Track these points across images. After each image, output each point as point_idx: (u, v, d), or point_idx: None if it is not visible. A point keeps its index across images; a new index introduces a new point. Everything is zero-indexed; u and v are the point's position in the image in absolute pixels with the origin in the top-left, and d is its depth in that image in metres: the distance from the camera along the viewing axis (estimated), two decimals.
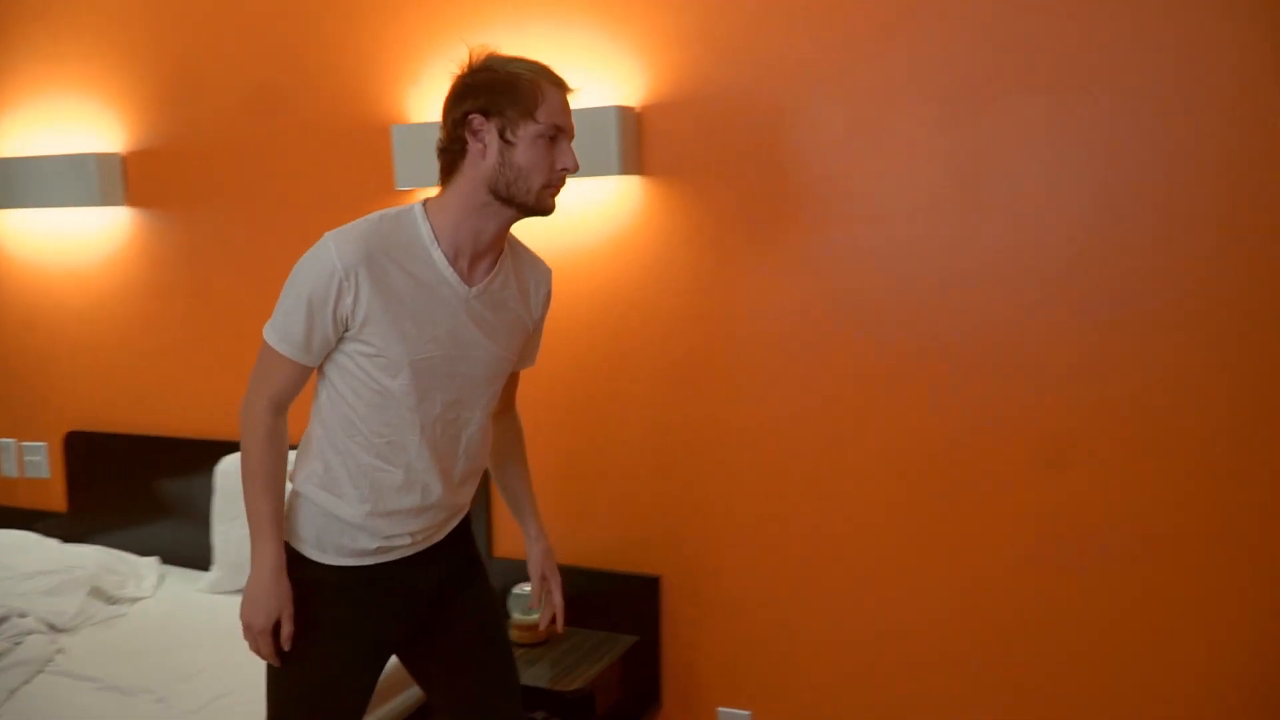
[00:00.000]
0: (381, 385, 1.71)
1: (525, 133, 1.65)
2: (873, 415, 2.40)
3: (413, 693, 2.52)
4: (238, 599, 2.76)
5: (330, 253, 1.65)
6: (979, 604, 2.35)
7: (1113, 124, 2.13)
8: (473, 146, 1.68)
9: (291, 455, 1.81)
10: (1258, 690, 2.14)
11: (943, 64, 2.25)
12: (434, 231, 1.70)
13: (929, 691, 2.42)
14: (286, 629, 1.73)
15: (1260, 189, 2.04)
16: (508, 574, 2.64)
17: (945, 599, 2.38)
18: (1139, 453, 2.18)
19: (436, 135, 2.57)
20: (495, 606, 2.00)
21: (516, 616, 2.58)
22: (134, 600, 2.91)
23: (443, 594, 1.88)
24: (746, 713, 2.60)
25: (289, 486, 1.80)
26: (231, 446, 2.99)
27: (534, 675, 2.43)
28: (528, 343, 1.91)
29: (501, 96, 1.65)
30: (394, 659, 1.95)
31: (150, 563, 3.10)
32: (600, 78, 2.52)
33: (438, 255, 1.70)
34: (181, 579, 3.04)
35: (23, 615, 2.66)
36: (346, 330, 1.68)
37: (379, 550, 1.78)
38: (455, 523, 1.90)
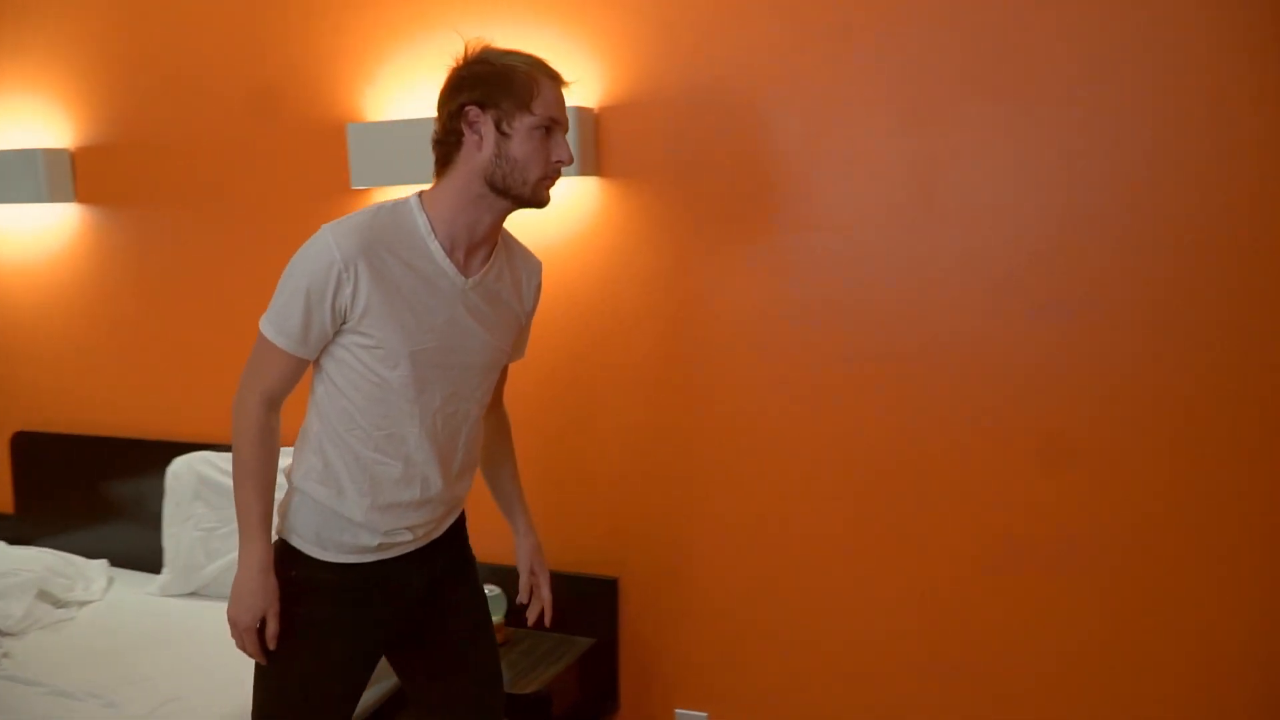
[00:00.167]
0: (380, 377, 1.70)
1: (521, 125, 1.66)
2: (832, 418, 2.41)
3: (380, 688, 2.50)
4: (188, 602, 2.80)
5: (329, 244, 1.64)
6: (938, 606, 2.37)
7: (1073, 131, 2.15)
8: (469, 138, 1.68)
9: (286, 455, 1.81)
10: (1239, 688, 2.17)
11: (902, 69, 2.26)
12: (430, 223, 1.70)
13: (887, 693, 2.43)
14: (272, 627, 1.72)
15: (1222, 194, 2.06)
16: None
17: (904, 601, 2.40)
18: (1104, 454, 2.20)
19: (393, 134, 2.60)
20: (485, 606, 1.99)
21: None
22: (82, 603, 2.87)
23: (435, 592, 1.88)
24: (704, 714, 2.60)
25: (284, 482, 1.80)
26: (182, 447, 2.97)
27: None
28: (519, 335, 1.92)
29: (498, 89, 1.66)
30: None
31: (99, 565, 3.06)
32: None
33: (435, 247, 1.70)
34: (131, 582, 3.00)
35: None
36: (344, 323, 1.68)
37: (380, 547, 1.78)
38: (453, 518, 1.91)
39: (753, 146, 2.40)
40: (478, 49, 1.72)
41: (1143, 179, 2.12)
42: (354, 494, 1.73)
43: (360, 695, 1.86)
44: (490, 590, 2.59)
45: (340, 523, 1.75)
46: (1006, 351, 2.25)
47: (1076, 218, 2.17)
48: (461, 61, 1.71)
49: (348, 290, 1.64)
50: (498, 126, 1.66)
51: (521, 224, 2.36)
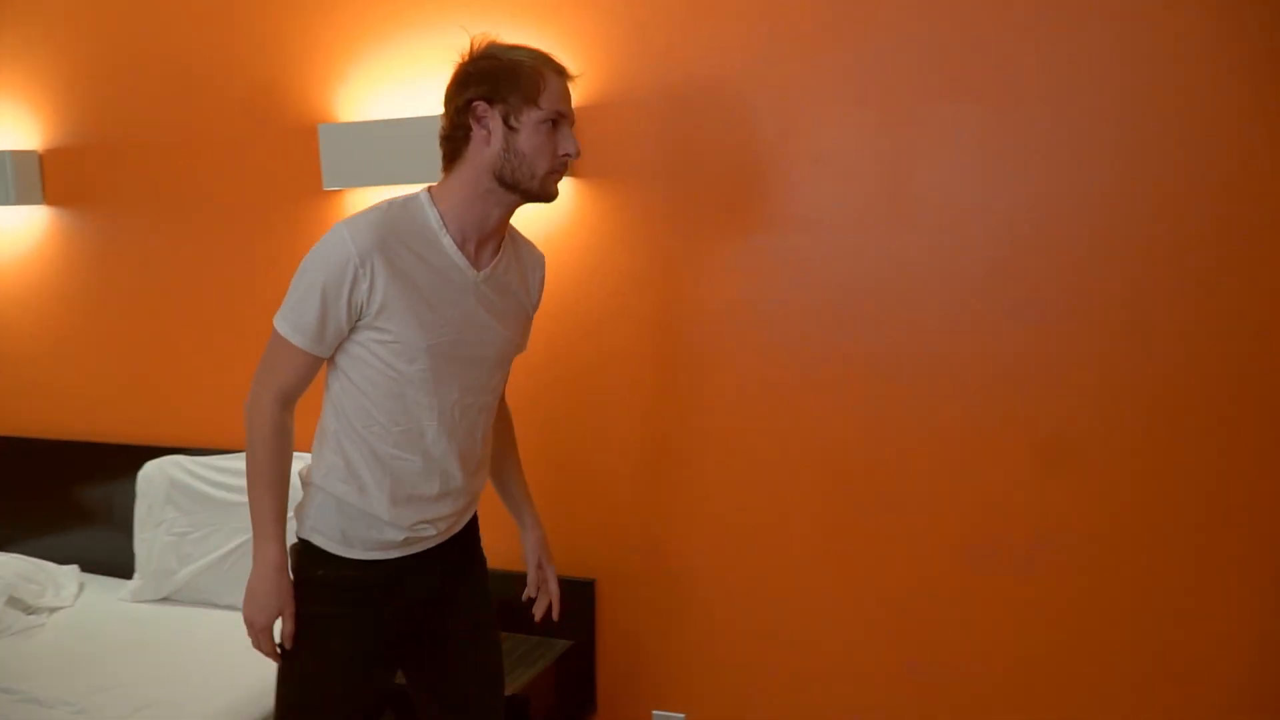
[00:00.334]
0: (398, 372, 1.70)
1: (529, 119, 1.67)
2: (808, 419, 2.41)
3: None
4: (159, 608, 2.78)
5: (345, 240, 1.64)
6: (915, 606, 2.37)
7: (1045, 130, 2.16)
8: (476, 133, 1.69)
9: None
10: (1214, 688, 2.18)
11: (875, 69, 2.27)
12: (441, 217, 1.71)
13: (864, 693, 2.43)
14: (288, 627, 1.73)
15: (1196, 191, 2.07)
16: None
17: (881, 602, 2.40)
18: (1081, 453, 2.21)
19: (366, 135, 2.58)
20: (488, 605, 1.99)
21: None
22: (53, 610, 2.84)
23: (444, 588, 1.88)
24: (681, 715, 2.60)
25: (297, 482, 1.80)
26: (153, 451, 2.95)
27: None
28: (526, 327, 1.93)
29: (505, 83, 1.67)
30: None
31: (70, 571, 3.02)
32: None
33: (447, 241, 1.71)
34: (102, 588, 2.97)
35: None
36: (359, 319, 1.68)
37: (406, 542, 1.79)
38: (472, 512, 1.92)
39: (727, 147, 2.40)
40: (483, 44, 1.73)
41: (1115, 178, 2.13)
42: (376, 490, 1.74)
43: (389, 688, 1.88)
44: None
45: (366, 519, 1.75)
46: (980, 351, 2.26)
47: (1049, 218, 2.18)
48: (468, 57, 1.73)
49: (364, 286, 1.64)
50: (505, 121, 1.68)
51: None
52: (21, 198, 3.05)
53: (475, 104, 1.68)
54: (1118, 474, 2.18)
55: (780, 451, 2.44)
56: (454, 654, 1.92)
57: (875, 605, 2.40)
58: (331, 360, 1.75)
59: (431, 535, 1.82)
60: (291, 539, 1.80)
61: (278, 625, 1.75)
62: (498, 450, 2.01)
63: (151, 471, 2.88)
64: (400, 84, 2.63)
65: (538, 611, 2.05)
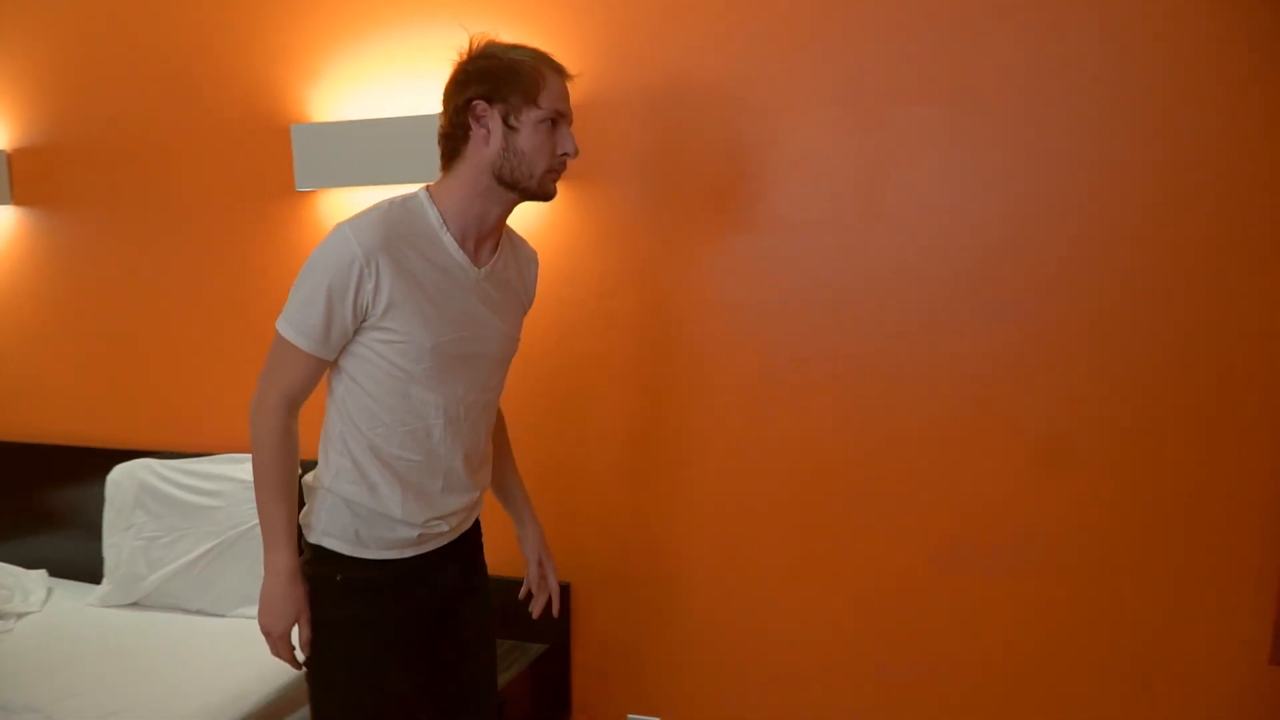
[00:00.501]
0: (404, 372, 1.70)
1: (528, 118, 1.68)
2: (785, 420, 2.41)
3: None
4: (129, 613, 2.75)
5: (349, 240, 1.63)
6: (890, 608, 2.38)
7: (1021, 132, 2.17)
8: (476, 132, 1.70)
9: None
10: (1189, 688, 2.20)
11: (852, 70, 2.27)
12: (442, 216, 1.72)
13: (840, 695, 2.44)
14: (305, 633, 1.74)
15: (1173, 192, 2.09)
16: None
17: (857, 603, 2.40)
18: (1058, 454, 2.22)
19: (339, 135, 2.56)
20: (490, 614, 2.00)
21: None
22: (21, 615, 2.79)
23: (456, 587, 1.90)
24: (656, 719, 2.59)
25: (305, 485, 1.80)
26: (122, 455, 2.92)
27: None
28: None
29: (504, 83, 1.68)
30: None
31: (38, 576, 2.99)
32: None
33: (448, 239, 1.72)
34: (71, 592, 2.94)
35: None
36: (364, 320, 1.68)
37: (420, 539, 1.79)
38: (479, 510, 1.93)
39: (705, 149, 2.40)
40: (482, 43, 1.73)
41: (1092, 179, 2.14)
42: (386, 490, 1.74)
43: (420, 687, 1.87)
44: None
45: (379, 519, 1.76)
46: (958, 352, 2.27)
47: (1026, 219, 2.19)
48: (466, 56, 1.73)
49: (369, 286, 1.64)
50: (505, 120, 1.68)
51: None
52: None
53: (475, 103, 1.68)
54: (1099, 474, 2.19)
55: (759, 453, 2.44)
56: (460, 657, 1.92)
57: (854, 607, 2.40)
58: (335, 362, 1.74)
59: (444, 532, 1.83)
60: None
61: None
62: (493, 449, 2.01)
63: (120, 475, 2.85)
64: (375, 84, 2.61)
65: (537, 608, 2.05)
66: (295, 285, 1.68)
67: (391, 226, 1.66)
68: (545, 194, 1.75)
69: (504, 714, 2.41)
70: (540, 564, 2.05)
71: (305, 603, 1.74)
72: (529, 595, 2.07)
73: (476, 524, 1.97)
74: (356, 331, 1.69)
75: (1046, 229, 2.18)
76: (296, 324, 1.67)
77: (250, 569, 2.68)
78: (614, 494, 2.58)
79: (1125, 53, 2.08)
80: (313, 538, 1.78)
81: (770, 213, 2.37)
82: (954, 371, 2.27)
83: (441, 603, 1.87)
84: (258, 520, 2.60)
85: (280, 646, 1.75)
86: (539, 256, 1.98)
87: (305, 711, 2.40)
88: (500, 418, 2.05)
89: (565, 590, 2.61)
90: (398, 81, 2.58)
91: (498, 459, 2.03)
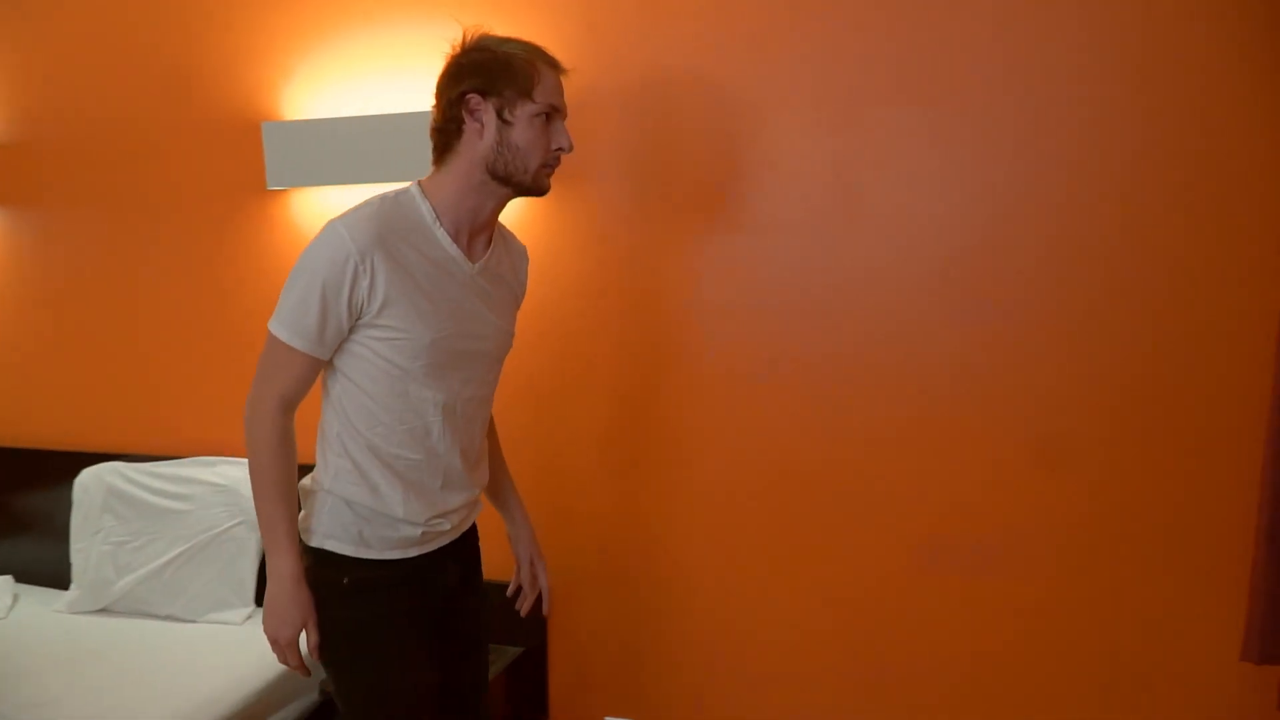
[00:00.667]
0: (401, 369, 1.69)
1: (523, 112, 1.67)
2: (759, 422, 2.40)
3: (304, 701, 2.46)
4: (97, 620, 2.71)
5: (343, 237, 1.61)
6: (868, 609, 2.37)
7: (995, 134, 2.17)
8: (469, 126, 1.69)
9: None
10: (1161, 687, 2.21)
11: (827, 72, 2.26)
12: (435, 211, 1.71)
13: (818, 697, 2.43)
14: (313, 638, 1.72)
15: (1149, 195, 2.09)
16: None
17: (837, 605, 2.40)
18: (1032, 455, 2.22)
19: (311, 134, 2.54)
20: (487, 619, 2.00)
21: None
22: None
23: (458, 587, 1.89)
24: None
25: (301, 489, 1.78)
26: (90, 458, 2.89)
27: None
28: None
29: (499, 77, 1.67)
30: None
31: (4, 582, 2.94)
32: None
33: (441, 234, 1.71)
34: (38, 599, 2.89)
35: None
36: (359, 317, 1.66)
37: (424, 538, 1.78)
38: (478, 509, 1.93)
39: (679, 149, 2.38)
40: (475, 36, 1.72)
41: (1070, 180, 2.14)
42: (387, 489, 1.73)
43: (441, 684, 1.85)
44: None
45: (381, 519, 1.74)
46: (935, 352, 2.27)
47: (1000, 221, 2.19)
48: (459, 49, 1.71)
49: (365, 283, 1.62)
50: (499, 114, 1.67)
51: None
52: None
53: (469, 96, 1.67)
54: (1078, 473, 2.20)
55: (739, 454, 2.43)
56: (461, 655, 1.92)
57: (835, 607, 2.40)
58: (330, 362, 1.72)
59: (447, 530, 1.83)
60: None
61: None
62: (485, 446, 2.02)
63: (88, 479, 2.82)
64: (348, 82, 2.59)
65: (526, 606, 2.04)
66: (287, 285, 1.66)
67: (385, 222, 1.65)
68: (539, 189, 1.74)
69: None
70: (531, 563, 2.04)
71: (312, 607, 1.71)
72: (516, 593, 2.06)
73: (474, 525, 1.96)
74: (351, 330, 1.67)
75: (1024, 230, 2.18)
76: (290, 324, 1.65)
77: (221, 573, 2.65)
78: (591, 496, 2.56)
79: (1103, 53, 2.09)
80: (314, 541, 1.76)
81: (749, 213, 2.36)
82: (932, 371, 2.27)
83: (444, 602, 1.86)
84: (229, 524, 2.64)
85: (289, 653, 1.72)
86: None
87: (278, 717, 2.40)
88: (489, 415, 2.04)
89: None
90: (372, 79, 2.55)
91: (489, 456, 2.01)
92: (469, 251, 1.75)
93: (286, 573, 1.69)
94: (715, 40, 2.33)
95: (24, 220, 3.01)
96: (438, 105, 1.72)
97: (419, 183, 1.74)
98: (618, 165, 2.44)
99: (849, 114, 2.26)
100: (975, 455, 2.26)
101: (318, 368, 1.70)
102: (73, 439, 3.01)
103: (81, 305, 2.98)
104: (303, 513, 1.79)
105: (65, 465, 2.89)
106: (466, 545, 1.92)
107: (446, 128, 1.71)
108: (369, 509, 1.73)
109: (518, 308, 1.93)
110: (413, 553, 1.78)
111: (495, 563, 2.16)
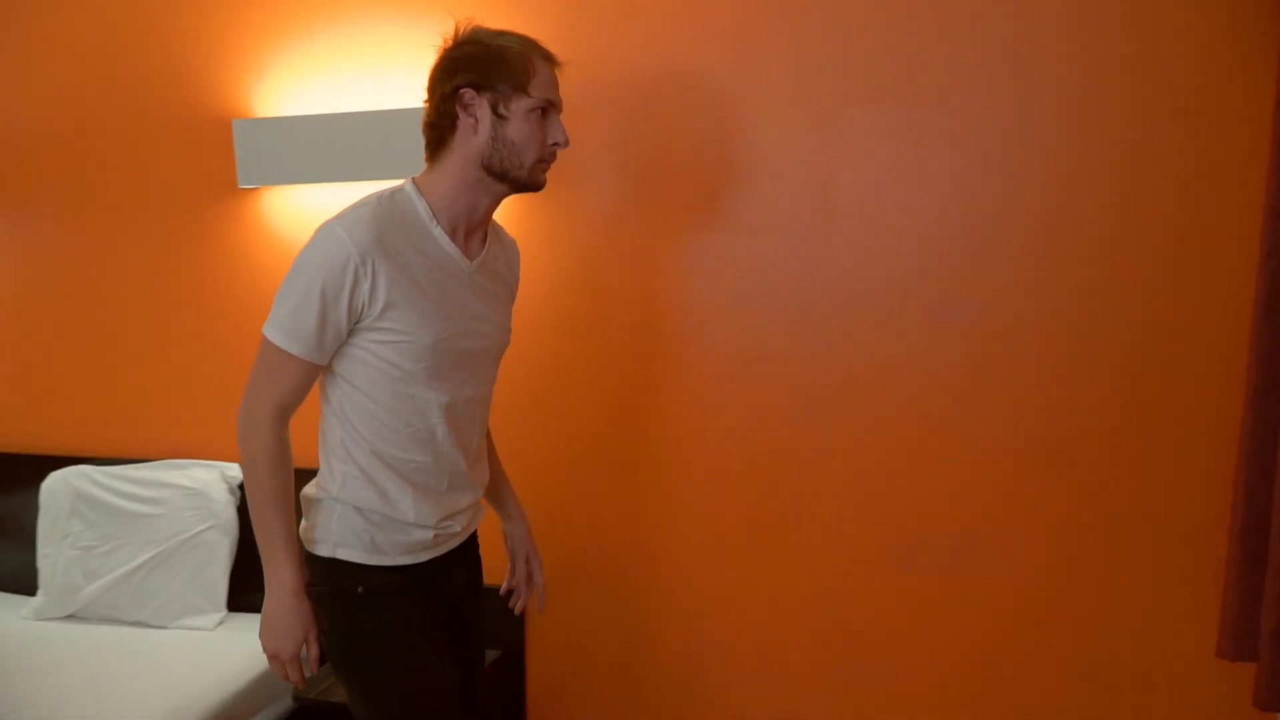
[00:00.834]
0: (403, 371, 1.66)
1: (518, 107, 1.65)
2: (735, 423, 2.40)
3: (278, 707, 2.44)
4: (65, 626, 2.67)
5: (342, 239, 1.58)
6: (847, 610, 2.38)
7: (972, 133, 2.18)
8: (463, 121, 1.66)
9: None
10: (1136, 686, 2.22)
11: (804, 70, 2.26)
12: (430, 209, 1.68)
13: (795, 699, 2.43)
14: (314, 651, 1.69)
15: (1126, 196, 2.10)
16: None
17: (813, 605, 2.40)
18: (1007, 455, 2.23)
19: (283, 131, 2.50)
20: (483, 625, 1.98)
21: None
22: None
23: (465, 591, 1.89)
24: None
25: (304, 498, 1.76)
26: (57, 461, 2.85)
27: None
28: None
29: (493, 71, 1.64)
30: None
31: None
32: None
33: (439, 232, 1.68)
34: (3, 605, 2.84)
35: None
36: (358, 321, 1.62)
37: (436, 541, 1.77)
38: (483, 512, 1.92)
39: (656, 148, 2.37)
40: (468, 29, 1.69)
41: (1048, 180, 2.15)
42: (396, 493, 1.70)
43: (461, 688, 1.83)
44: None
45: (392, 524, 1.72)
46: (906, 353, 2.27)
47: (977, 221, 2.20)
48: (452, 42, 1.68)
49: (365, 286, 1.59)
50: (494, 109, 1.65)
51: None
52: None
53: (463, 91, 1.64)
54: (1055, 473, 2.21)
55: (712, 456, 2.43)
56: (462, 661, 1.90)
57: (813, 607, 2.40)
58: (329, 366, 1.68)
59: (457, 532, 1.81)
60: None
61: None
62: None
63: (55, 483, 2.77)
64: (321, 79, 2.56)
65: (522, 604, 2.03)
66: (283, 289, 1.62)
67: (384, 222, 1.62)
68: (535, 184, 1.72)
69: None
70: (528, 559, 2.02)
71: (313, 619, 1.68)
72: (510, 591, 2.04)
73: (475, 536, 1.95)
74: (351, 333, 1.64)
75: (1002, 228, 2.18)
76: (288, 329, 1.61)
77: (192, 578, 2.62)
78: (564, 498, 2.54)
79: (1081, 53, 2.10)
80: (324, 551, 1.72)
81: (727, 212, 2.35)
82: (911, 370, 2.27)
83: (451, 604, 1.85)
84: (200, 528, 2.60)
85: (290, 668, 1.68)
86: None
87: (277, 707, 2.38)
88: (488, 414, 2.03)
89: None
90: (345, 76, 2.53)
91: (486, 453, 2.00)
92: (465, 249, 1.73)
93: (287, 585, 1.66)
94: (693, 40, 2.32)
95: None
96: (430, 100, 1.69)
97: (413, 180, 1.71)
98: (591, 165, 2.42)
99: (826, 113, 2.26)
100: (954, 454, 2.26)
101: (315, 374, 1.67)
102: (39, 442, 2.96)
103: (48, 306, 2.93)
104: (306, 522, 1.75)
105: (32, 469, 2.84)
106: (470, 548, 1.91)
107: (440, 123, 1.68)
108: (380, 515, 1.70)
109: (513, 303, 1.91)
110: (424, 557, 1.76)
111: (485, 566, 2.14)
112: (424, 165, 1.73)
